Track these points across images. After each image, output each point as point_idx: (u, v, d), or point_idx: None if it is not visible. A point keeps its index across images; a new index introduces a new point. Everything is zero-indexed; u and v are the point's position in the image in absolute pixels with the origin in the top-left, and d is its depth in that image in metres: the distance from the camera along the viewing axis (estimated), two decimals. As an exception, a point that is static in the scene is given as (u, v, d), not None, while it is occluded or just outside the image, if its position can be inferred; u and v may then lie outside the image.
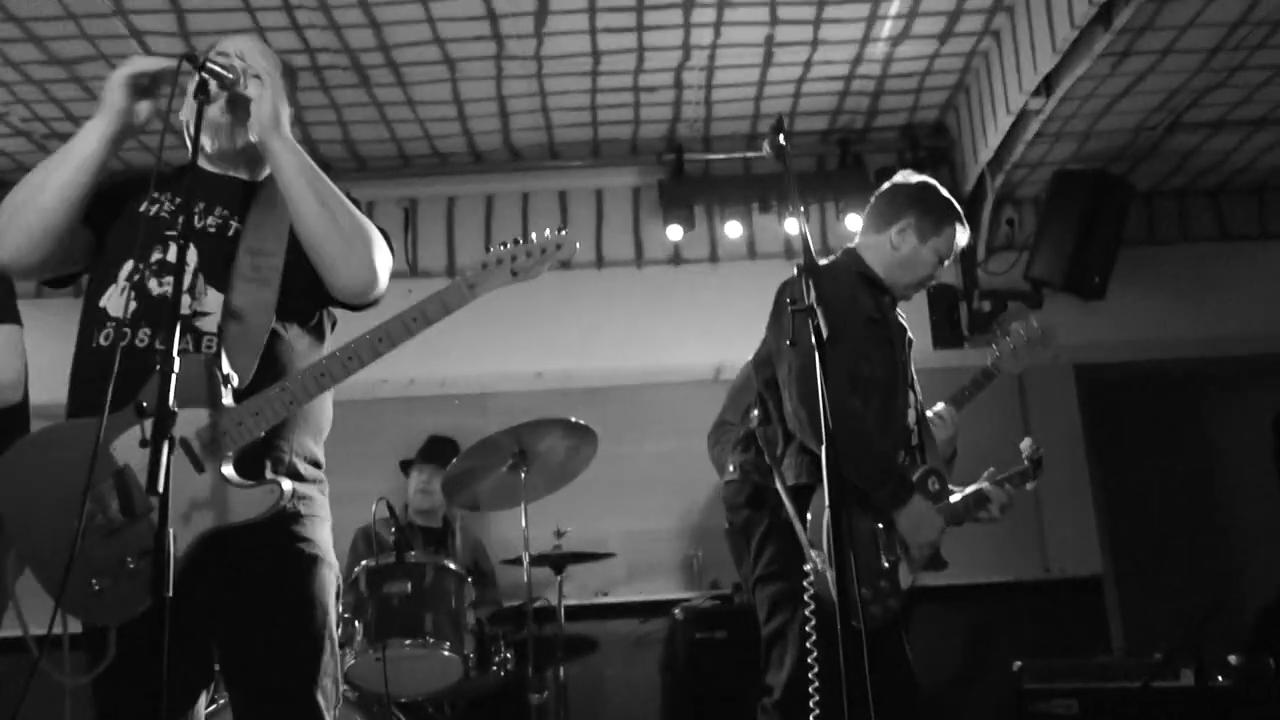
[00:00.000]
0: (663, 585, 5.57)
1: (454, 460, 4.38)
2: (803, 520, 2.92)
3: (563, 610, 4.52)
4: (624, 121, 5.59)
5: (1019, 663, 4.36)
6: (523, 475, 4.25)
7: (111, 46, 4.59)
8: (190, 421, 1.99)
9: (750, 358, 3.31)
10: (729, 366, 5.19)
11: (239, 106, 2.19)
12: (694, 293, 5.86)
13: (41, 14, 4.34)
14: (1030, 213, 5.98)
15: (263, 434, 2.08)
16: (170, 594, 1.71)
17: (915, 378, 3.27)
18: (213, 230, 2.21)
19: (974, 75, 5.27)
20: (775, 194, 5.75)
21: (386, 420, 5.54)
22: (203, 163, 2.24)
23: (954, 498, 3.18)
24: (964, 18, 4.75)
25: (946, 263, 3.32)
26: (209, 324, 2.12)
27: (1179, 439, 6.69)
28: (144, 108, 2.15)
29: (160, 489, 1.70)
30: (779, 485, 3.01)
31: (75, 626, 2.06)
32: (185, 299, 2.10)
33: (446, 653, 3.82)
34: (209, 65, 2.11)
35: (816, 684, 2.71)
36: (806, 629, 2.77)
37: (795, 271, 2.21)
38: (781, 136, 2.38)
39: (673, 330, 5.77)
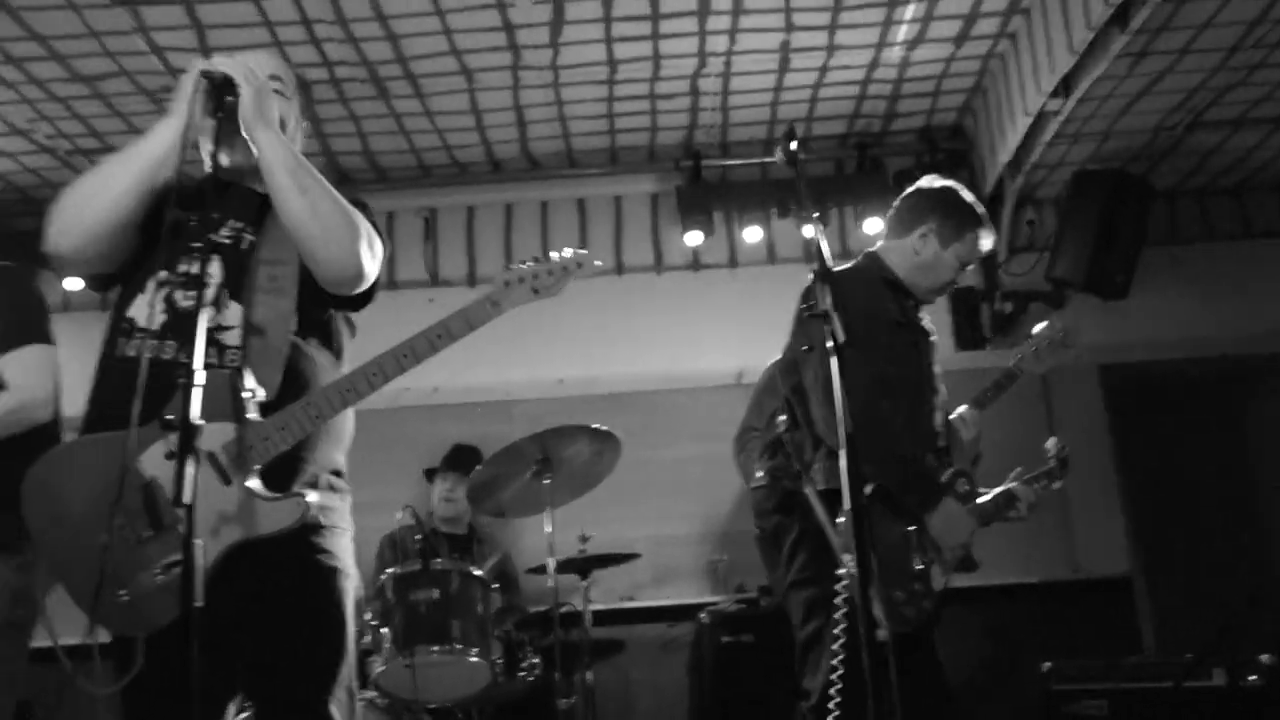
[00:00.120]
0: (688, 589, 5.57)
1: (478, 468, 4.40)
2: (834, 525, 2.92)
3: (589, 615, 4.54)
4: (641, 129, 5.61)
5: (1048, 664, 4.34)
6: (547, 482, 4.26)
7: (133, 63, 4.65)
8: (217, 435, 2.01)
9: (771, 362, 3.31)
10: (751, 370, 5.19)
11: None
12: (714, 298, 5.88)
13: (64, 32, 4.40)
14: (1050, 213, 5.96)
15: (288, 448, 2.10)
16: (200, 604, 1.73)
17: (939, 380, 3.28)
18: (229, 242, 2.24)
19: (991, 77, 5.26)
20: (793, 198, 5.75)
21: (410, 428, 5.57)
22: (221, 175, 2.26)
23: (983, 498, 3.19)
24: (980, 20, 4.75)
25: (970, 268, 3.32)
26: (232, 338, 2.14)
27: (1206, 438, 6.64)
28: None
29: (186, 501, 1.72)
30: (808, 490, 3.01)
31: (105, 637, 2.09)
32: (210, 312, 2.12)
33: (474, 659, 3.83)
34: (207, 71, 2.14)
35: (851, 688, 2.71)
36: (839, 632, 2.77)
37: (810, 278, 2.22)
38: (794, 144, 2.39)
39: (693, 335, 5.78)
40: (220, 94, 2.15)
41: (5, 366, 2.85)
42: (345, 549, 2.25)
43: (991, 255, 5.80)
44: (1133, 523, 5.79)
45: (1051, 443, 3.41)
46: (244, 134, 2.17)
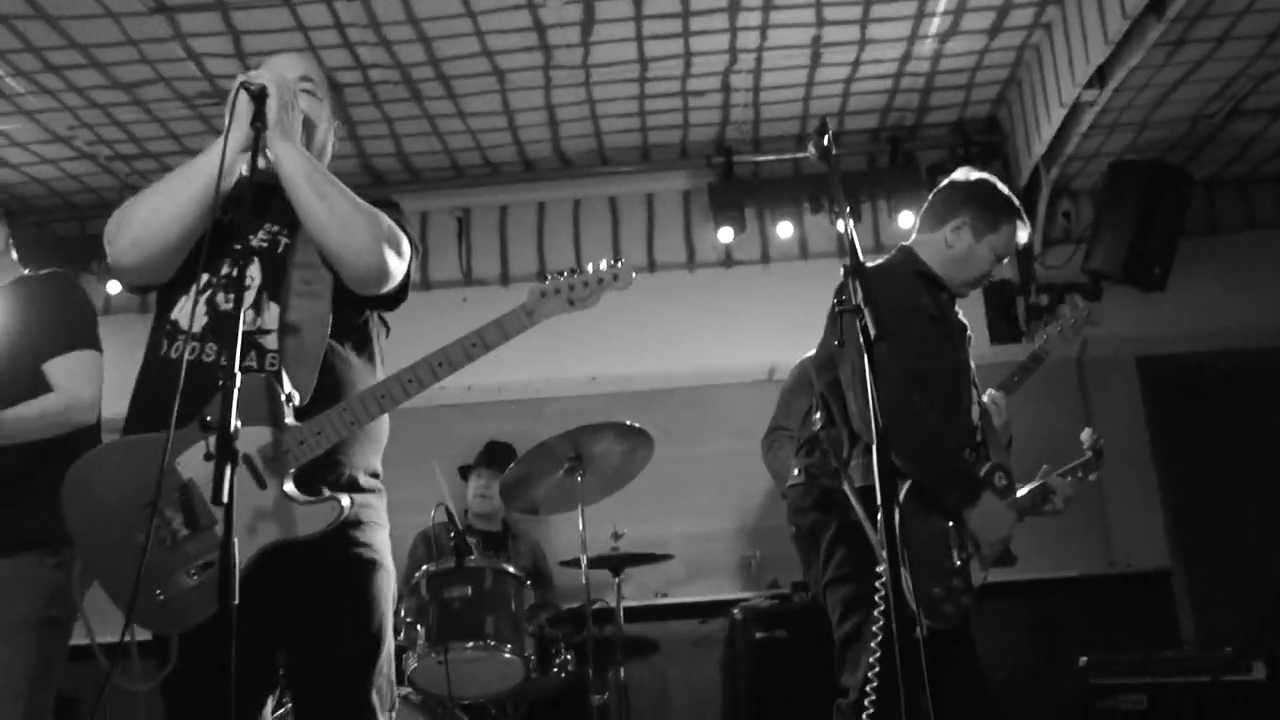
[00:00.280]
0: (721, 585, 5.58)
1: (511, 465, 4.43)
2: (873, 522, 2.91)
3: (621, 611, 4.55)
4: (673, 126, 5.61)
5: (1085, 658, 4.31)
6: (580, 478, 4.29)
7: (170, 70, 4.71)
8: (253, 439, 2.05)
9: (800, 360, 3.31)
10: (783, 367, 5.19)
11: None
12: (746, 294, 5.87)
13: (103, 40, 4.47)
14: (1087, 205, 5.90)
15: (323, 452, 2.13)
16: (236, 601, 1.76)
17: (975, 374, 3.27)
18: (265, 245, 2.28)
19: (1025, 68, 5.22)
20: (826, 194, 5.74)
21: (444, 426, 5.62)
22: (258, 179, 2.29)
23: (1020, 492, 3.18)
24: (1014, 11, 4.71)
25: (1005, 261, 3.30)
26: (271, 341, 2.18)
27: (1246, 430, 6.54)
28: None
29: (225, 499, 1.76)
30: (846, 487, 3.01)
31: (143, 634, 2.13)
32: (249, 315, 2.16)
33: (508, 655, 3.87)
34: (245, 83, 2.18)
35: (889, 684, 2.71)
36: (876, 629, 2.77)
37: (842, 273, 2.22)
38: (826, 139, 2.38)
39: (726, 332, 5.78)
40: (259, 103, 2.19)
41: (54, 370, 2.93)
42: (383, 543, 2.29)
43: (1027, 248, 5.74)
44: (1171, 515, 5.73)
45: (1087, 434, 3.40)
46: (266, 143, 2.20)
